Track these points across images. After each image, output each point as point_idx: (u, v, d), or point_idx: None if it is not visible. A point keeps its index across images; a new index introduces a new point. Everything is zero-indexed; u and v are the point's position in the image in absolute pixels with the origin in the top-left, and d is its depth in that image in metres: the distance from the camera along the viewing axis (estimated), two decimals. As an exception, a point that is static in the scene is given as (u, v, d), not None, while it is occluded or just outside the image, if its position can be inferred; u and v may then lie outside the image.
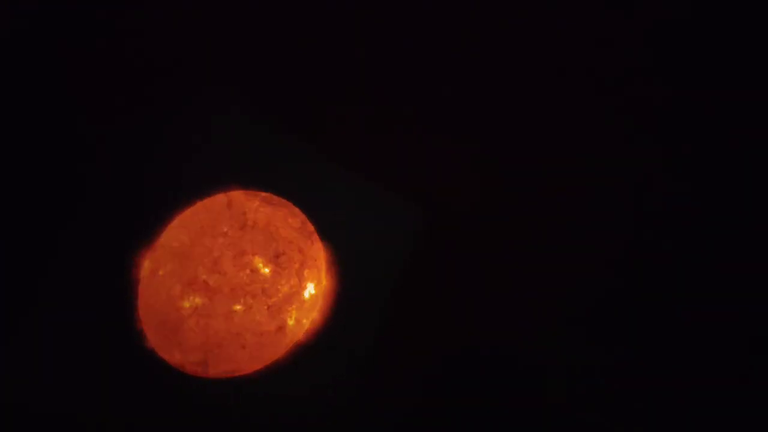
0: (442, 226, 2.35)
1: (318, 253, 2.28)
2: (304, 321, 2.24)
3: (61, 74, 2.36)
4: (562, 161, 2.41)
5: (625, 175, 2.40)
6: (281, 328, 2.22)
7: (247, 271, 2.22)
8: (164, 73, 2.37)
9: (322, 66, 2.43)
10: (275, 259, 2.25)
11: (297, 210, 2.30)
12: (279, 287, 2.23)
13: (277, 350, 2.20)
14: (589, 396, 2.26)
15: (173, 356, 2.16)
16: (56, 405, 2.15)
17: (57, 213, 2.27)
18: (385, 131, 2.41)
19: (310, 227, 2.29)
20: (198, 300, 2.19)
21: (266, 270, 2.24)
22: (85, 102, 2.36)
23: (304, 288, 2.26)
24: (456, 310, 2.32)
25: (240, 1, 2.42)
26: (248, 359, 2.18)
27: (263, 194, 2.30)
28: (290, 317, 2.24)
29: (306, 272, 2.27)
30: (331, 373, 2.21)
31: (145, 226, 2.24)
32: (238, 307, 2.19)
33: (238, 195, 2.29)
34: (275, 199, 2.30)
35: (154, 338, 2.16)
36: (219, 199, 2.28)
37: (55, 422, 2.15)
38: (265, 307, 2.21)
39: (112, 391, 2.16)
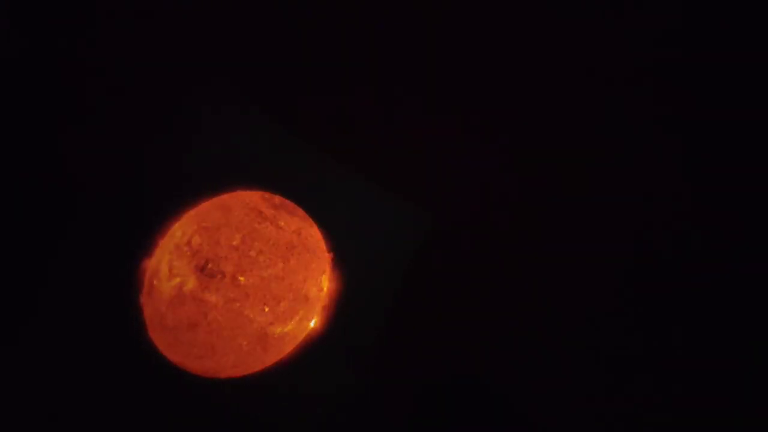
0: (448, 229, 2.35)
1: (323, 253, 2.28)
2: (308, 322, 2.24)
3: (66, 72, 2.37)
4: (571, 166, 2.42)
5: (635, 184, 2.40)
6: (287, 329, 2.22)
7: (256, 271, 2.22)
8: (172, 71, 2.38)
9: (329, 68, 2.44)
10: (283, 260, 2.25)
11: (302, 212, 2.31)
12: (286, 288, 2.23)
13: (281, 351, 2.20)
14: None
15: (179, 357, 2.15)
16: (59, 407, 2.14)
17: (61, 211, 2.27)
18: (392, 133, 2.42)
19: (316, 229, 2.30)
20: (205, 298, 2.18)
21: (274, 270, 2.23)
22: (92, 100, 2.37)
23: (310, 289, 2.26)
24: (459, 313, 2.32)
25: (260, 3, 2.44)
26: (254, 360, 2.18)
27: (269, 195, 2.31)
28: (296, 318, 2.23)
29: (312, 273, 2.27)
30: (335, 374, 2.21)
31: (151, 223, 2.24)
32: (246, 308, 2.19)
33: (244, 195, 2.29)
34: (281, 200, 2.30)
35: (160, 339, 2.15)
36: (226, 199, 2.28)
37: (58, 424, 2.14)
38: (273, 308, 2.21)
39: (117, 393, 2.15)
